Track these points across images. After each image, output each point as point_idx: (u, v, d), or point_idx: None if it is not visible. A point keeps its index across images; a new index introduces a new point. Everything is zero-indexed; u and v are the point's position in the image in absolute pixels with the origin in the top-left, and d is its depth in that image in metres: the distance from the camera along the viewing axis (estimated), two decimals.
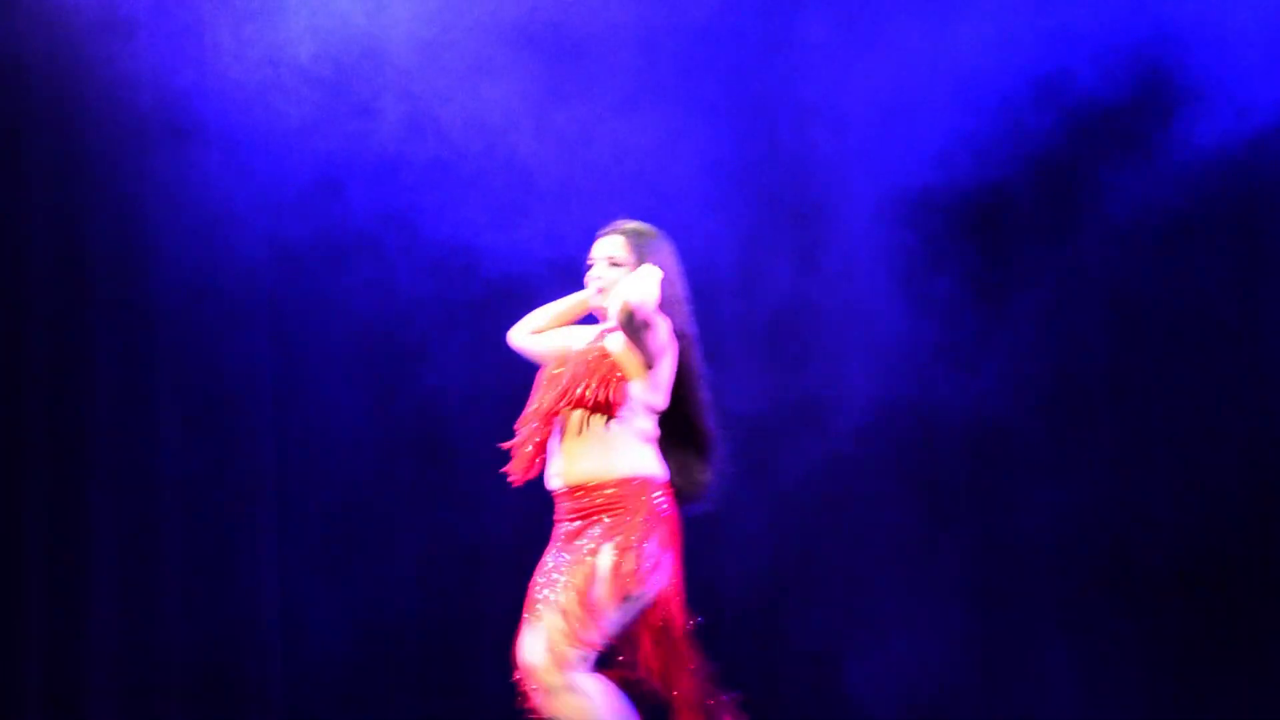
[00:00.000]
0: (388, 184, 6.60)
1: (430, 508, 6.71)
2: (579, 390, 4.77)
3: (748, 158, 6.71)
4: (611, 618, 4.70)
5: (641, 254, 4.85)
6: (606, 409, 4.75)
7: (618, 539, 4.71)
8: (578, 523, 4.79)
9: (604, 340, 4.81)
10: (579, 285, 4.98)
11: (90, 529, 6.76)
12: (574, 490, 4.81)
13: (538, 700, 4.71)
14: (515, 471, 4.87)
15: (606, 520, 4.75)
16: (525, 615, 4.78)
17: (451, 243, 6.62)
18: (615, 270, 4.84)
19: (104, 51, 6.55)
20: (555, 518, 4.88)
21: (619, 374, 4.76)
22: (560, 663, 4.68)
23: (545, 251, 6.43)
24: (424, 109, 6.55)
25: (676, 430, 4.90)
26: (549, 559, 4.83)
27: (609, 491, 4.78)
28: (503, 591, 5.24)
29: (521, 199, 6.59)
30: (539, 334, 5.10)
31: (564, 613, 4.69)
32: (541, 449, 4.86)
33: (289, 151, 6.61)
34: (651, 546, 4.72)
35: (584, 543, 4.74)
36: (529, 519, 5.19)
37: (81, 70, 6.60)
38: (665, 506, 4.77)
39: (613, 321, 4.76)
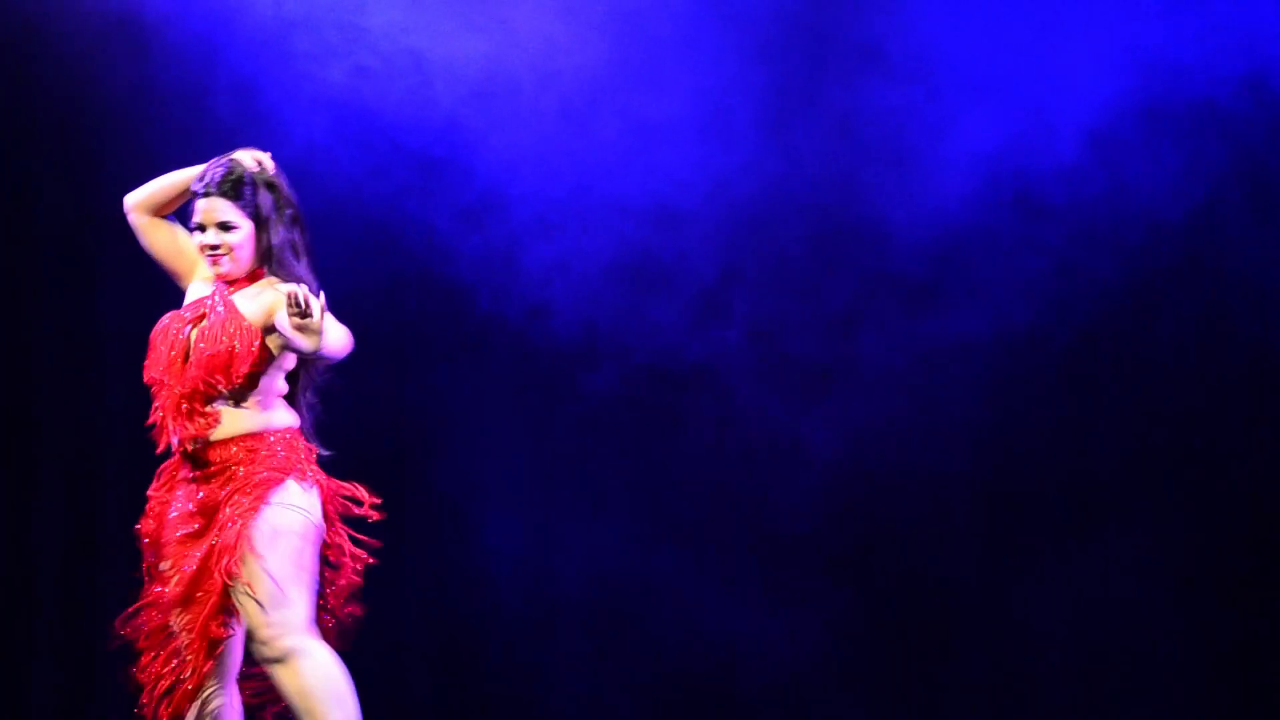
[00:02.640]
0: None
1: None
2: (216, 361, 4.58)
3: None
4: (287, 574, 4.52)
5: (249, 208, 4.65)
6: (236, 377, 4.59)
7: (263, 494, 4.54)
8: (204, 483, 4.63)
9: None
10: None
11: (102, 525, 6.74)
12: (204, 450, 4.63)
13: (274, 676, 4.52)
14: (161, 439, 4.67)
15: (240, 475, 4.56)
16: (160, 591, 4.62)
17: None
18: (230, 234, 4.65)
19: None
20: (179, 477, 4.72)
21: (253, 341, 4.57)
22: (285, 628, 4.47)
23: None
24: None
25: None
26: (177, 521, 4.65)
27: (234, 450, 4.63)
28: None
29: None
30: (152, 215, 4.85)
31: (250, 580, 4.51)
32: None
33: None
34: (291, 493, 4.58)
35: (224, 504, 4.56)
36: None
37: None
38: (290, 451, 4.61)
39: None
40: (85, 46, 6.66)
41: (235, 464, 4.61)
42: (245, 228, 4.70)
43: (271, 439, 4.65)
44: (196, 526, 4.62)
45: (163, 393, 4.69)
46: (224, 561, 4.52)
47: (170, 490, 4.74)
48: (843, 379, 6.87)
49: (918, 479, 6.85)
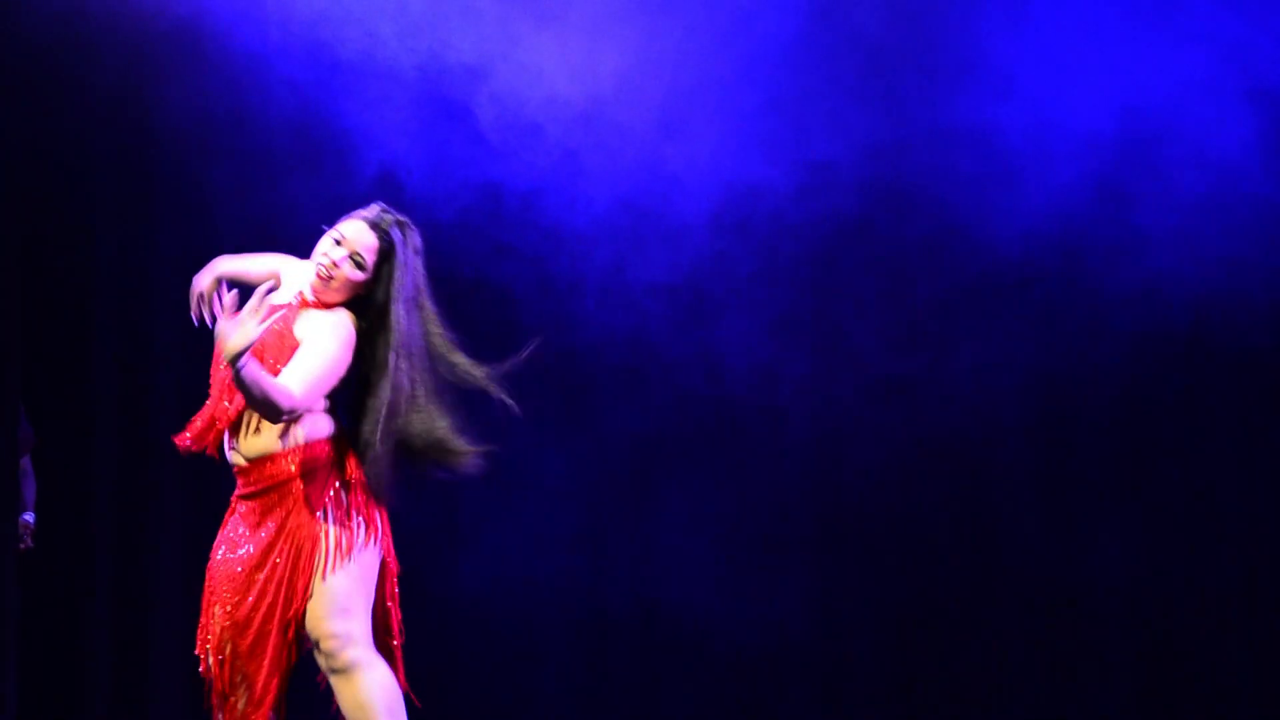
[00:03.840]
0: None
1: None
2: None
3: None
4: (352, 588, 4.51)
5: (383, 268, 4.58)
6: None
7: (327, 507, 4.51)
8: (257, 499, 4.56)
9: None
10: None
11: (159, 524, 6.83)
12: (251, 466, 4.60)
13: (335, 686, 4.51)
14: (189, 440, 4.63)
15: (294, 494, 4.52)
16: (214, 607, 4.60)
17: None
18: (351, 269, 4.59)
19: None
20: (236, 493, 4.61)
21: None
22: (349, 639, 4.50)
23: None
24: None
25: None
26: (235, 540, 4.62)
27: (284, 464, 4.54)
28: None
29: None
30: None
31: (318, 592, 4.50)
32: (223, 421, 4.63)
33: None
34: (351, 511, 4.55)
35: (272, 529, 4.52)
36: None
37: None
38: (346, 470, 4.57)
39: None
40: (140, 57, 6.75)
41: (289, 479, 4.59)
42: (365, 274, 4.62)
43: (321, 450, 4.61)
44: (254, 549, 4.61)
45: (213, 397, 4.69)
46: (293, 579, 4.55)
47: (230, 511, 4.75)
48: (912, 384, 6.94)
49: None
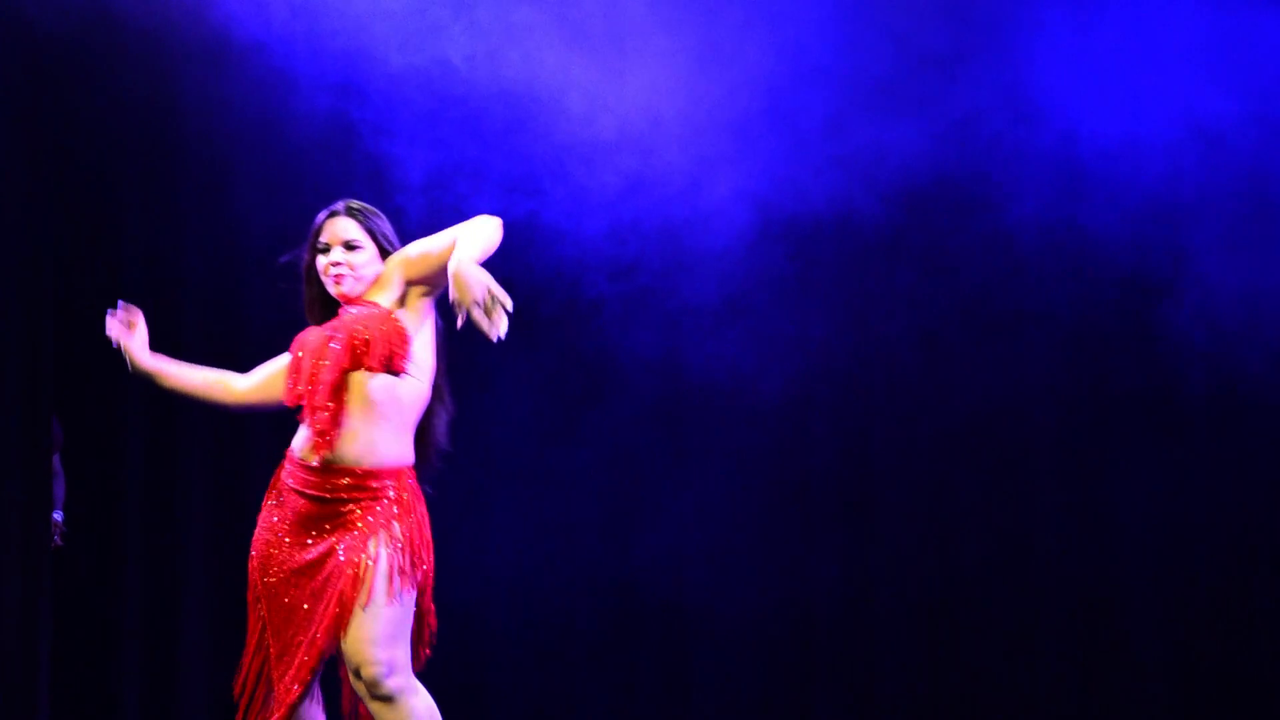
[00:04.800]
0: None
1: None
2: (364, 344, 4.56)
3: None
4: (401, 616, 4.53)
5: (375, 231, 4.71)
6: (391, 365, 4.57)
7: (380, 535, 4.51)
8: (321, 503, 4.56)
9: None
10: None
11: (186, 524, 6.90)
12: (332, 471, 4.58)
13: (376, 712, 4.50)
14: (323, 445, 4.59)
15: (360, 512, 4.54)
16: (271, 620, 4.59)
17: None
18: (354, 254, 4.70)
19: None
20: (286, 484, 4.62)
21: (400, 329, 4.58)
22: (393, 668, 4.50)
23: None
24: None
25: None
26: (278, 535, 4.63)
27: (347, 482, 4.56)
28: None
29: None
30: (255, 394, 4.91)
31: (364, 619, 4.49)
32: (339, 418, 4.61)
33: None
34: (413, 534, 4.57)
35: (339, 544, 4.52)
36: None
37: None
38: (404, 491, 4.60)
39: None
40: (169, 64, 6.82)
41: (349, 499, 4.59)
42: (369, 248, 4.75)
43: (388, 479, 4.62)
44: (310, 559, 4.61)
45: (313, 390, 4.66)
46: (343, 601, 4.52)
47: (276, 498, 4.73)
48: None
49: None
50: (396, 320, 4.64)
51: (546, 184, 6.85)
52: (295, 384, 4.70)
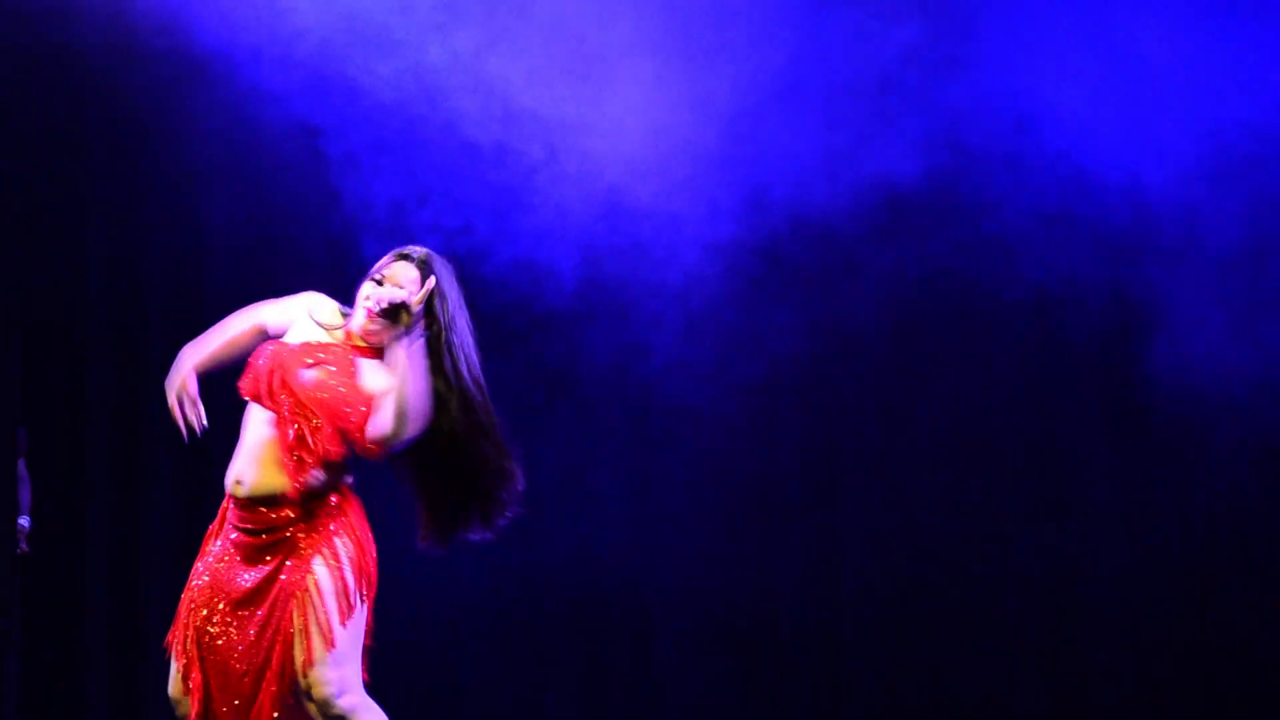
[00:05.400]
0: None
1: None
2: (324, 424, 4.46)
3: None
4: (351, 635, 4.47)
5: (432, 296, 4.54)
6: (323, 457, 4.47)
7: (324, 554, 4.46)
8: (255, 536, 4.51)
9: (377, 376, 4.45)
10: None
11: (151, 526, 6.94)
12: (256, 503, 4.51)
13: None
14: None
15: (301, 538, 4.48)
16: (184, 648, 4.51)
17: None
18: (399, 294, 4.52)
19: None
20: (227, 520, 4.54)
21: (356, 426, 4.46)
22: (344, 687, 4.44)
23: None
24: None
25: (453, 478, 4.61)
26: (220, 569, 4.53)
27: (289, 513, 4.49)
28: None
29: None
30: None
31: (316, 639, 4.42)
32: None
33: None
34: (355, 548, 4.51)
35: (281, 570, 4.47)
36: None
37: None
38: (349, 508, 4.53)
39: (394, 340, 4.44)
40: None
41: (292, 524, 4.52)
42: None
43: (332, 500, 4.56)
44: (249, 587, 4.52)
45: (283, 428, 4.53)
46: (287, 620, 4.45)
47: (223, 531, 4.62)
48: None
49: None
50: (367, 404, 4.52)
51: (510, 201, 6.89)
52: (258, 386, 4.57)
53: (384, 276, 4.59)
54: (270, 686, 4.48)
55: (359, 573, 4.53)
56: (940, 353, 7.18)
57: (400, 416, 4.45)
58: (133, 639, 6.93)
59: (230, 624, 4.54)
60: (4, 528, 6.46)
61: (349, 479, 4.61)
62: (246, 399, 4.61)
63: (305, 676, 4.45)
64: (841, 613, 7.23)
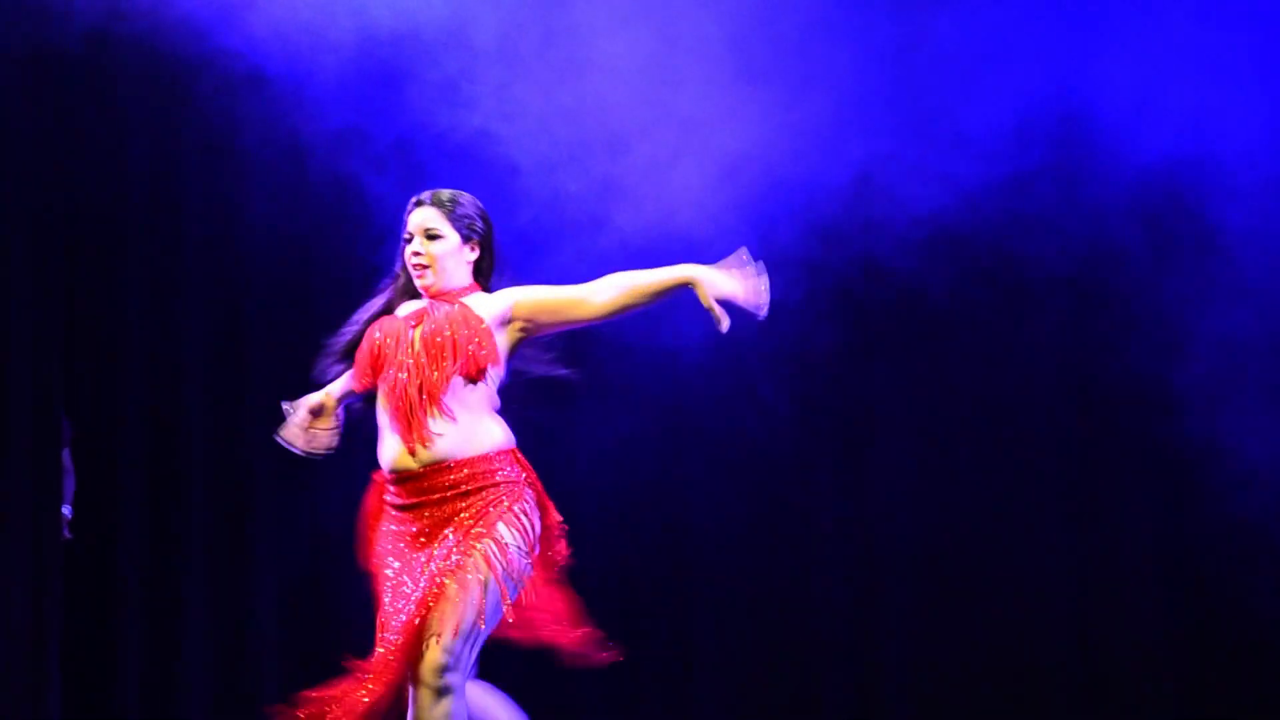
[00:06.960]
0: None
1: None
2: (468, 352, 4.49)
3: None
4: (490, 616, 4.43)
5: (459, 220, 4.61)
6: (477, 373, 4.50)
7: (504, 517, 4.44)
8: (433, 505, 4.48)
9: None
10: None
11: (188, 518, 7.02)
12: (432, 470, 4.49)
13: (417, 696, 4.37)
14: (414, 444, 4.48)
15: (473, 500, 4.45)
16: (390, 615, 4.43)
17: None
18: (435, 244, 4.60)
19: None
20: (390, 501, 4.52)
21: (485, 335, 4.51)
22: (458, 662, 4.40)
23: None
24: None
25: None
26: (399, 548, 4.49)
27: (453, 477, 4.47)
28: None
29: None
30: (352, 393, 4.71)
31: (464, 605, 4.37)
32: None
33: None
34: (531, 517, 4.51)
35: (456, 531, 4.43)
36: None
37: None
38: (514, 478, 4.53)
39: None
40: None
41: (458, 492, 4.49)
42: (452, 238, 4.62)
43: (495, 465, 4.54)
44: (417, 552, 4.50)
45: (394, 392, 4.53)
46: (438, 583, 4.40)
47: (382, 517, 4.60)
48: None
49: None
50: (488, 330, 4.56)
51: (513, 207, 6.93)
52: (373, 370, 4.60)
53: (409, 232, 4.65)
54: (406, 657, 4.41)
55: (527, 547, 4.52)
56: (972, 349, 7.20)
57: (617, 304, 4.62)
58: (170, 624, 6.98)
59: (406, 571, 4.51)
60: (50, 516, 6.55)
61: (509, 439, 4.59)
62: (368, 389, 4.61)
63: (431, 631, 4.37)
64: (877, 607, 7.27)
